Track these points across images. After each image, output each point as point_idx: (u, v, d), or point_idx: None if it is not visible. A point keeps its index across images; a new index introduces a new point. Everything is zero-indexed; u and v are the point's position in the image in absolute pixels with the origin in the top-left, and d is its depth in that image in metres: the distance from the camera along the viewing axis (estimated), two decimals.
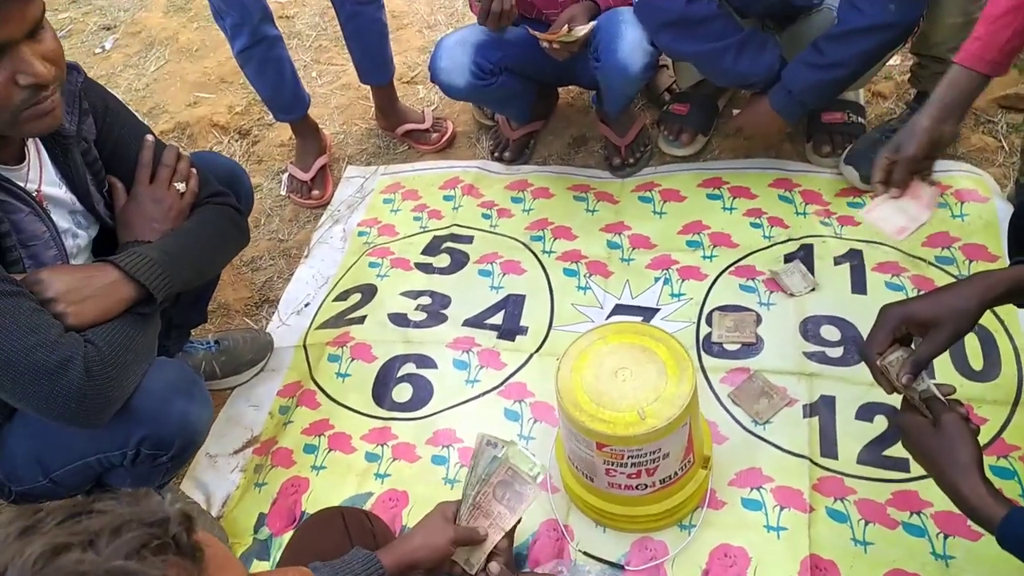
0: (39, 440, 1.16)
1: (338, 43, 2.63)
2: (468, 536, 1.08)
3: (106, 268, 1.10)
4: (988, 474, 0.88)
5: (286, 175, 2.13)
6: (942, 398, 0.94)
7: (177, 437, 1.13)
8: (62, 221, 1.16)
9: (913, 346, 0.99)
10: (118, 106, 1.28)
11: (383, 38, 2.00)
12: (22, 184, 1.08)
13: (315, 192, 2.07)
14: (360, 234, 1.94)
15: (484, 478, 1.11)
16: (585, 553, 1.25)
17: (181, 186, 1.26)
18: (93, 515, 0.40)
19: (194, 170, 1.30)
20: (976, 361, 1.36)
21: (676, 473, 1.18)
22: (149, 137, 1.27)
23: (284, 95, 1.98)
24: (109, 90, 1.29)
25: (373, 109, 2.22)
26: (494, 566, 1.09)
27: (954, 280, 1.49)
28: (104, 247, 1.25)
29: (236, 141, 2.34)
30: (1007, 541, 0.84)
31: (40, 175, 1.13)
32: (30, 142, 1.12)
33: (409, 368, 1.59)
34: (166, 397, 1.12)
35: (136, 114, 1.33)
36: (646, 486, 1.17)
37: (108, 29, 3.02)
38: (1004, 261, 1.50)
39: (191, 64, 2.71)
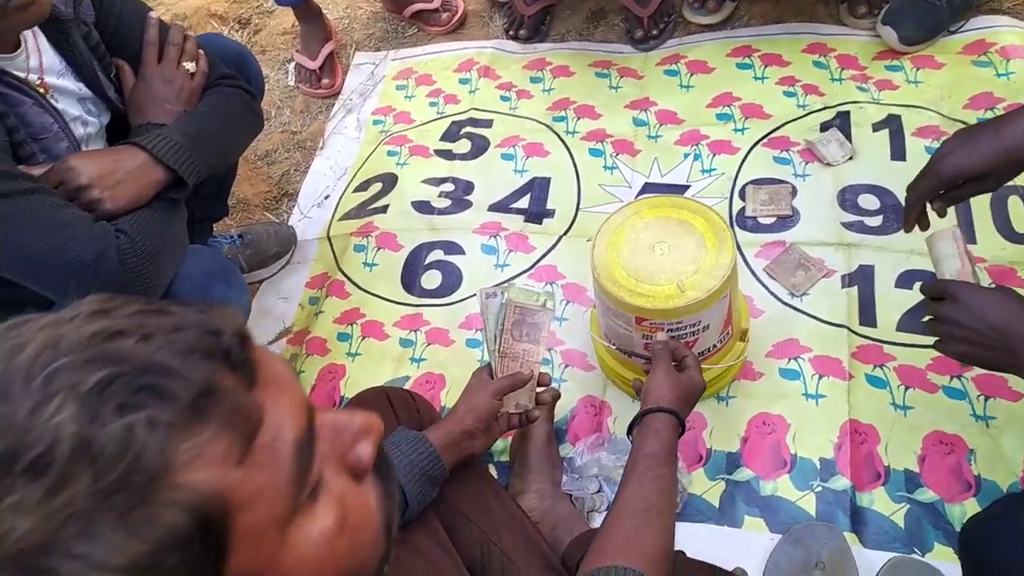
0: None
1: None
2: (508, 384, 1.08)
3: (132, 151, 1.06)
4: None
5: (292, 64, 2.05)
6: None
7: None
8: (71, 109, 1.11)
9: None
10: None
11: None
12: (22, 75, 1.03)
13: (325, 81, 1.99)
14: (375, 123, 1.88)
15: (499, 328, 1.11)
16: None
17: (191, 66, 1.20)
18: (162, 314, 0.40)
19: (202, 51, 1.24)
20: (1020, 224, 1.33)
21: (715, 346, 1.17)
22: (153, 15, 1.20)
23: None
24: None
25: None
26: (544, 395, 1.12)
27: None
28: (118, 134, 1.20)
29: (236, 31, 2.24)
30: None
31: (41, 64, 1.07)
32: (27, 31, 1.05)
33: (437, 255, 1.57)
34: (205, 284, 1.11)
35: None
36: None
37: None
38: None
39: None
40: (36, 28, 1.07)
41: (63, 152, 1.07)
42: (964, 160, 0.93)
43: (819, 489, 1.15)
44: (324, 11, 2.07)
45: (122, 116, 1.19)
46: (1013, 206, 1.35)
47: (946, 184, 0.96)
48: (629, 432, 0.99)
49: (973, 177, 0.94)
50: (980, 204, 1.37)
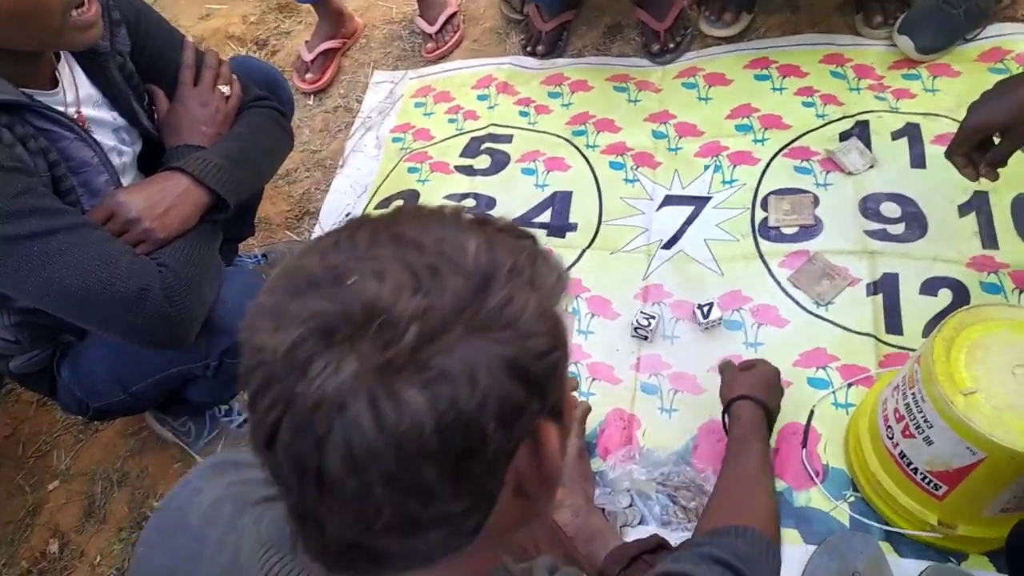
0: (116, 356, 1.18)
1: None
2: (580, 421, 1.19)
3: (175, 176, 1.08)
4: None
5: None
6: None
7: None
8: (107, 140, 1.13)
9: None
10: (149, 12, 1.22)
11: None
12: (62, 109, 1.04)
13: (309, 76, 2.06)
14: (395, 140, 1.90)
15: None
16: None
17: (226, 89, 1.22)
18: (523, 239, 0.48)
19: (235, 75, 1.26)
20: None
21: None
22: (189, 39, 1.23)
23: None
24: None
25: (408, 14, 2.13)
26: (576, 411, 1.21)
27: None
28: (148, 162, 1.22)
29: (254, 52, 2.27)
30: None
31: (77, 97, 1.09)
32: (62, 64, 1.07)
33: None
34: (243, 304, 1.12)
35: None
36: None
37: None
38: None
39: None
40: (72, 61, 1.09)
41: (102, 185, 1.09)
42: (986, 113, 1.04)
43: (852, 499, 1.15)
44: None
45: (155, 143, 1.21)
46: None
47: (971, 136, 1.06)
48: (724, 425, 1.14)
49: (999, 129, 1.04)
50: (1001, 209, 1.37)
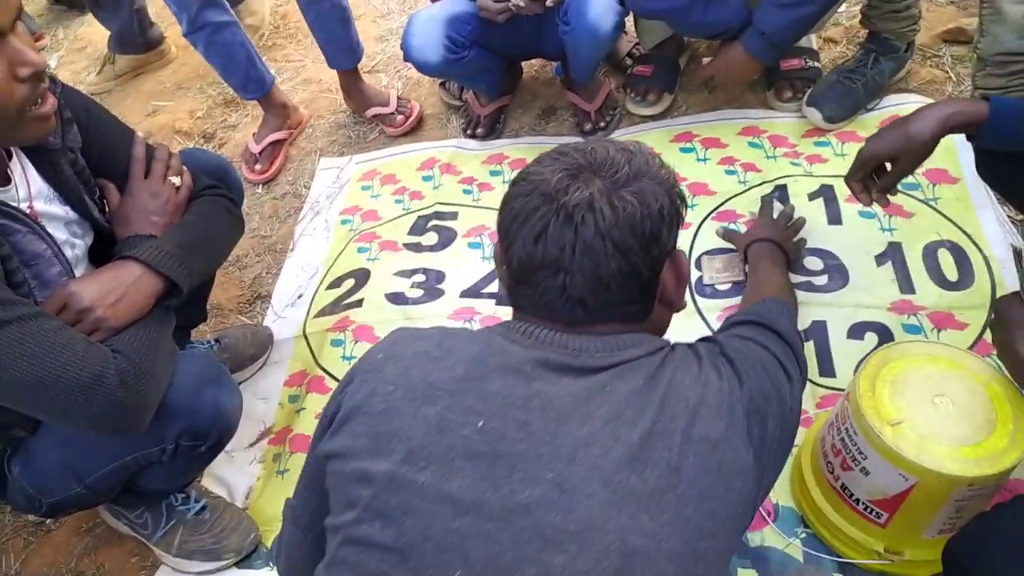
0: (70, 447, 1.16)
1: (292, 39, 2.64)
2: None
3: (128, 264, 1.10)
4: None
5: None
6: None
7: (213, 426, 1.15)
8: (58, 233, 1.14)
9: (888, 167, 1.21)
10: (99, 109, 1.26)
11: (345, 22, 2.03)
12: (15, 204, 1.06)
13: (258, 167, 2.13)
14: (343, 222, 1.96)
15: None
16: None
17: (176, 180, 1.26)
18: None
19: (185, 167, 1.30)
20: (951, 273, 1.46)
21: None
22: (139, 134, 1.27)
23: (237, 77, 2.05)
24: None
25: (341, 94, 2.24)
26: None
27: (920, 201, 1.59)
28: (99, 255, 1.23)
29: (202, 145, 2.33)
30: None
31: (30, 192, 1.10)
32: (14, 161, 1.09)
33: None
34: (197, 388, 1.13)
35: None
36: None
37: (51, 47, 2.95)
38: (964, 182, 1.61)
39: (144, 74, 2.67)
40: (24, 158, 1.11)
41: (55, 276, 1.10)
42: (877, 144, 1.19)
43: (803, 535, 1.19)
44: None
45: (105, 236, 1.22)
46: (943, 258, 1.48)
47: (865, 163, 1.21)
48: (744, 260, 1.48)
49: (888, 158, 1.18)
50: (914, 258, 1.50)
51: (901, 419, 1.00)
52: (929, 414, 1.01)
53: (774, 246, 1.43)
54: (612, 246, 0.72)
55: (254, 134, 2.17)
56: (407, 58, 1.78)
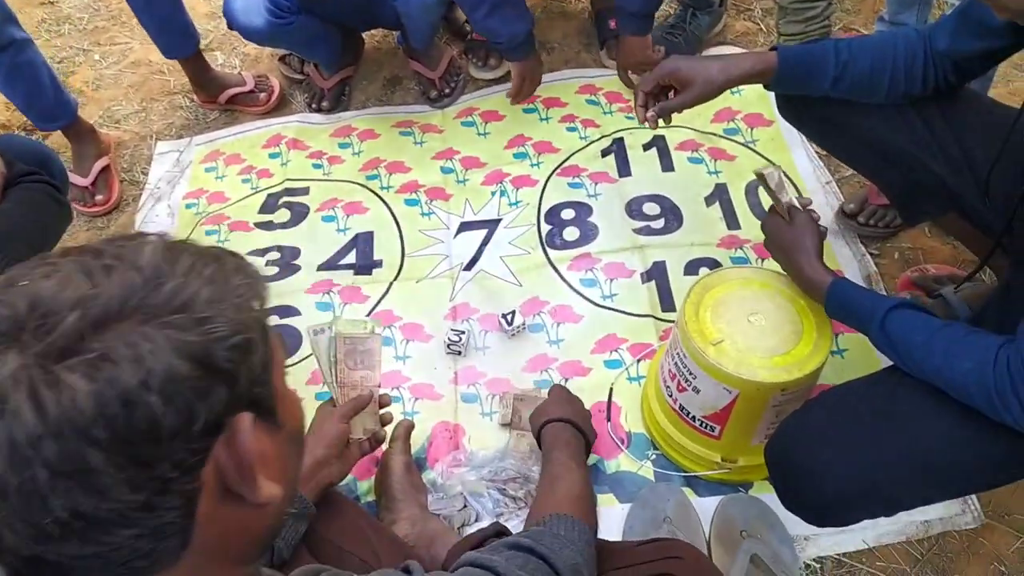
0: None
1: (116, 21, 2.47)
2: (351, 407, 1.15)
3: None
4: None
5: None
6: (799, 205, 1.12)
7: None
8: None
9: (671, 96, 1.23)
10: None
11: (176, 5, 1.90)
12: None
13: (99, 197, 1.90)
14: (188, 206, 1.88)
15: (332, 361, 1.17)
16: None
17: None
18: (225, 256, 0.50)
19: None
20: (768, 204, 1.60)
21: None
22: None
23: (44, 103, 1.79)
24: None
25: (189, 83, 2.10)
26: (399, 429, 1.23)
27: (741, 144, 1.73)
28: None
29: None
30: (830, 306, 1.04)
31: None
32: None
33: (272, 320, 1.59)
34: None
35: None
36: None
37: None
38: (777, 124, 1.76)
39: None
40: None
41: None
42: (681, 64, 1.19)
43: (653, 457, 1.30)
44: (118, 107, 2.06)
45: None
46: (762, 195, 1.62)
47: (661, 77, 1.20)
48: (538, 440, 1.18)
49: (680, 82, 1.19)
50: (738, 197, 1.64)
51: (722, 338, 1.11)
52: (746, 331, 1.12)
53: (572, 428, 1.14)
54: (45, 476, 0.40)
55: (72, 170, 1.86)
56: (231, 25, 1.72)
